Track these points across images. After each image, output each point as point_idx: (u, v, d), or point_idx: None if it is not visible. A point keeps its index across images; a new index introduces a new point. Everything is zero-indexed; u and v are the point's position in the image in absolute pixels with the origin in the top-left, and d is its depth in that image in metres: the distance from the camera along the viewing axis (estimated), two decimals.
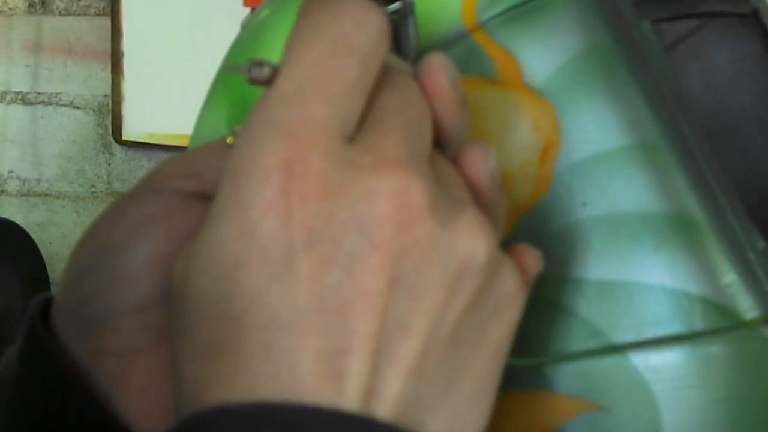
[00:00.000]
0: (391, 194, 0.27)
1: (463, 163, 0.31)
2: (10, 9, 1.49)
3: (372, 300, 0.27)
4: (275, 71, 0.28)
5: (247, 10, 1.29)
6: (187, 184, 0.33)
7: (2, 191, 1.54)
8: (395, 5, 0.32)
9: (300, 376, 0.26)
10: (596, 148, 0.34)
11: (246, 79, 0.29)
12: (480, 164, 0.31)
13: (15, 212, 1.52)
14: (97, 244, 0.33)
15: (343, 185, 0.27)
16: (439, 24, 0.37)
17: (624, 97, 0.35)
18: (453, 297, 0.28)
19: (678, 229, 0.34)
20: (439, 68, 0.30)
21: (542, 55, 0.35)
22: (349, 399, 0.26)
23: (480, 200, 0.31)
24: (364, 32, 0.28)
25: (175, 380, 0.28)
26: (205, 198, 0.33)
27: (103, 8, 1.43)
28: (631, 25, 0.36)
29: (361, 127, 0.28)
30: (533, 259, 0.32)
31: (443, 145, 0.31)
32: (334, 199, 0.27)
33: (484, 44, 0.36)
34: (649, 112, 0.34)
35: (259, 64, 0.28)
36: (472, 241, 0.28)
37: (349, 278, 0.27)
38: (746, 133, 0.50)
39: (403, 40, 0.33)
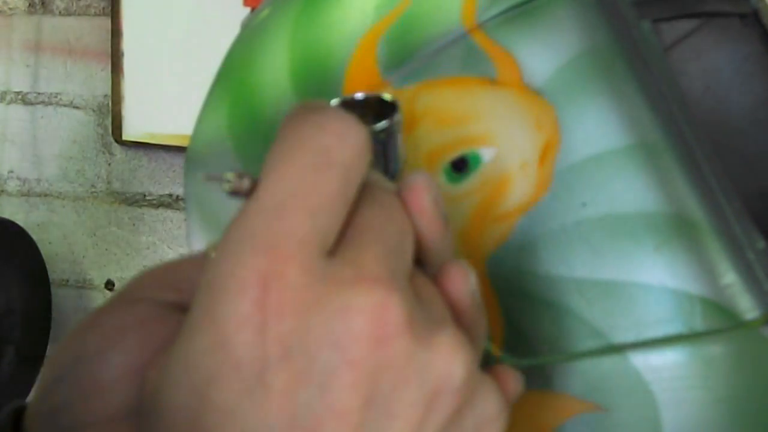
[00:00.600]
0: (368, 310, 0.27)
1: (443, 282, 0.30)
2: (10, 9, 1.49)
3: (346, 418, 0.26)
4: (255, 183, 0.28)
5: (247, 10, 1.29)
6: (166, 295, 0.32)
7: (2, 191, 1.54)
8: (382, 123, 0.32)
9: None
10: (596, 148, 0.34)
11: (226, 191, 0.28)
12: (460, 283, 0.30)
13: (15, 212, 1.52)
14: (71, 352, 0.32)
15: (321, 300, 0.26)
16: (439, 24, 0.37)
17: (624, 97, 0.35)
18: (429, 416, 0.28)
19: (678, 229, 0.34)
20: (422, 187, 0.30)
21: (542, 55, 0.35)
22: None
23: (460, 319, 0.30)
24: (346, 146, 0.28)
25: None
26: (183, 309, 0.32)
27: (103, 8, 1.43)
28: (631, 25, 0.36)
29: (341, 241, 0.28)
30: (514, 381, 0.32)
31: (425, 264, 0.31)
32: (310, 314, 0.26)
33: (484, 44, 0.36)
34: (649, 112, 0.34)
35: (240, 175, 0.28)
36: (449, 360, 0.28)
37: (323, 395, 0.26)
38: (746, 133, 0.50)
39: (390, 159, 0.33)
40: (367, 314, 0.27)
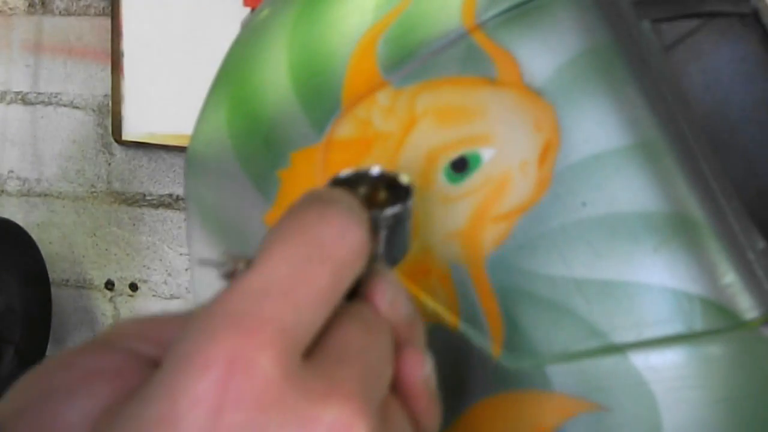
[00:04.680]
0: (333, 428, 0.25)
1: (399, 366, 0.30)
2: (10, 9, 1.49)
3: None
4: (251, 266, 0.27)
5: (247, 10, 1.29)
6: (145, 348, 0.31)
7: (2, 191, 1.54)
8: (394, 209, 0.31)
9: None
10: (596, 148, 0.34)
11: (221, 274, 0.28)
12: (415, 369, 0.30)
13: (15, 212, 1.52)
14: (38, 386, 0.31)
15: (285, 401, 0.25)
16: (439, 24, 0.37)
17: (624, 97, 0.35)
18: None
19: (678, 229, 0.34)
20: (382, 289, 0.30)
21: (542, 55, 0.35)
22: None
23: (411, 406, 0.30)
24: (343, 243, 0.27)
25: None
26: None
27: (103, 8, 1.43)
28: (631, 25, 0.36)
29: (321, 350, 0.27)
30: None
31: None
32: (271, 412, 0.25)
33: (484, 44, 0.36)
34: (649, 112, 0.35)
35: (235, 259, 0.28)
36: None
37: None
38: (746, 133, 0.50)
39: (394, 245, 0.32)
40: (333, 431, 0.25)
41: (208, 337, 0.25)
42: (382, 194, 0.32)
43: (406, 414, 0.29)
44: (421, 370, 0.30)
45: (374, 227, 0.31)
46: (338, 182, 0.32)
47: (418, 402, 0.30)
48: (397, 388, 0.30)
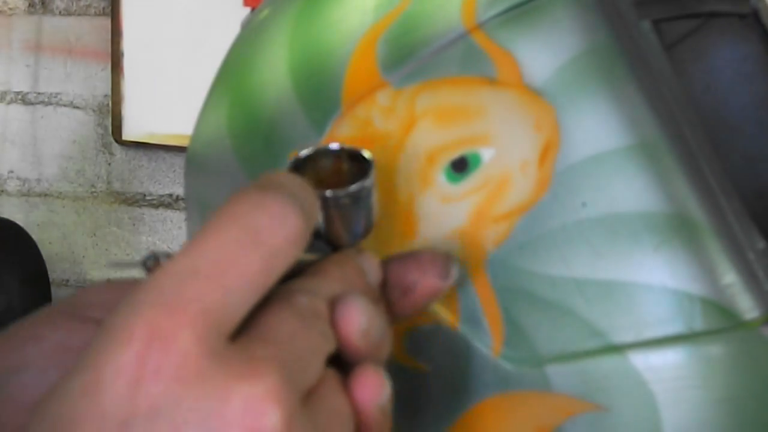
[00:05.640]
0: (248, 403, 0.26)
1: (354, 387, 0.30)
2: (10, 9, 1.49)
3: None
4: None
5: (247, 10, 1.29)
6: None
7: (2, 191, 1.54)
8: (354, 187, 0.32)
9: None
10: (596, 148, 0.34)
11: (146, 269, 0.29)
12: (372, 394, 0.30)
13: (15, 212, 1.52)
14: (9, 360, 0.31)
15: (203, 375, 0.26)
16: (439, 24, 0.37)
17: (624, 97, 0.35)
18: None
19: (678, 229, 0.34)
20: (354, 314, 0.30)
21: (542, 55, 0.35)
22: None
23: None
24: (278, 230, 0.28)
25: None
26: None
27: (103, 8, 1.43)
28: (631, 25, 0.36)
29: (249, 330, 0.28)
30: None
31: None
32: (188, 385, 0.26)
33: (484, 44, 0.36)
34: (649, 112, 0.35)
35: (155, 256, 0.29)
36: None
37: None
38: (746, 133, 0.50)
39: (357, 220, 0.32)
40: (246, 406, 0.26)
41: (134, 313, 0.26)
42: (345, 167, 0.32)
43: (349, 413, 0.29)
44: (379, 395, 0.30)
45: (334, 205, 0.31)
46: (299, 161, 0.32)
47: (371, 427, 0.30)
48: (352, 410, 0.30)
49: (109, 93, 1.40)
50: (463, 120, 0.36)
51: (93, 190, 1.48)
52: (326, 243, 0.32)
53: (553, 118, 0.35)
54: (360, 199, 0.32)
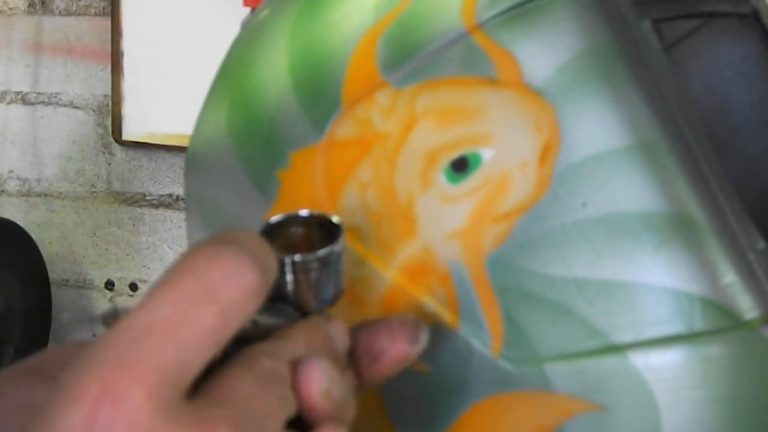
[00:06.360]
0: None
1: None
2: (10, 9, 1.49)
3: None
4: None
5: (247, 10, 1.29)
6: None
7: (2, 191, 1.54)
8: (323, 252, 0.32)
9: None
10: (596, 148, 0.34)
11: (105, 324, 0.29)
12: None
13: (15, 212, 1.52)
14: None
15: None
16: (439, 24, 0.37)
17: (624, 97, 0.35)
18: None
19: (678, 229, 0.34)
20: (313, 377, 0.30)
21: (542, 55, 0.35)
22: None
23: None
24: (233, 285, 0.28)
25: None
26: None
27: (103, 8, 1.43)
28: (631, 25, 0.36)
29: (206, 390, 0.28)
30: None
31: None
32: None
33: (484, 44, 0.36)
34: (649, 112, 0.35)
35: (116, 312, 0.28)
36: None
37: None
38: (746, 133, 0.50)
39: (323, 286, 0.32)
40: None
41: (87, 370, 0.26)
42: (315, 235, 0.33)
43: None
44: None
45: (302, 270, 0.31)
46: (270, 227, 0.33)
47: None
48: None
49: (109, 93, 1.41)
50: (463, 120, 0.36)
51: (93, 190, 1.48)
52: (295, 309, 0.32)
53: (553, 118, 0.35)
54: (329, 264, 0.32)
